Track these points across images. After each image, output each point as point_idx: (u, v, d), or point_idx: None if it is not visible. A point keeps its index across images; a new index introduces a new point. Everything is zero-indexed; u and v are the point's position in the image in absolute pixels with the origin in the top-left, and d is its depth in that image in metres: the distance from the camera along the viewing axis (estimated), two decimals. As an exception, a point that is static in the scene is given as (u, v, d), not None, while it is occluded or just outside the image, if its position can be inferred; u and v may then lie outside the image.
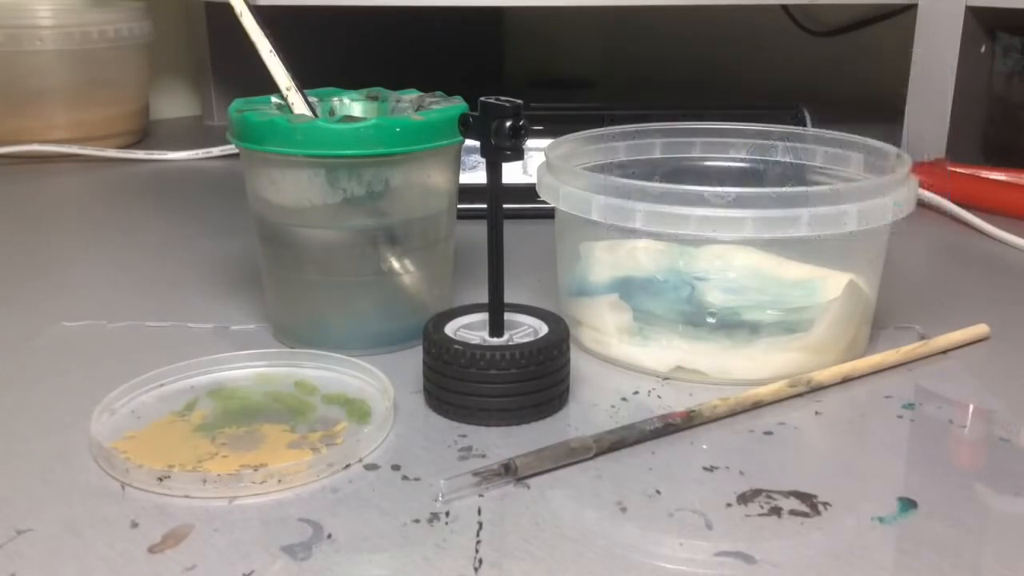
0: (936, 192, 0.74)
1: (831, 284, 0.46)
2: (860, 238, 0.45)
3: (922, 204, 0.73)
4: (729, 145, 0.56)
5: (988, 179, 0.77)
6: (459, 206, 0.51)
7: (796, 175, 0.55)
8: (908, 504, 0.36)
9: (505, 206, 0.43)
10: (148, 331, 0.52)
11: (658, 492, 0.37)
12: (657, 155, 0.57)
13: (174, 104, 1.16)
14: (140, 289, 0.59)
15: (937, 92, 0.85)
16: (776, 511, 0.36)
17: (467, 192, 0.53)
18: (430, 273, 0.50)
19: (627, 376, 0.47)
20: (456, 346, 0.42)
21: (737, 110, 0.74)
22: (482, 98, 0.42)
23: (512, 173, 0.46)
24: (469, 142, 0.44)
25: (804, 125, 0.71)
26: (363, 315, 0.49)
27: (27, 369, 0.48)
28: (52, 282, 0.60)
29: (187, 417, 0.42)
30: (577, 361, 0.47)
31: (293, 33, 0.54)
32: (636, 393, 0.45)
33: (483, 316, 0.45)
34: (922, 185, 0.73)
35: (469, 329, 0.45)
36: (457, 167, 0.50)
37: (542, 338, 0.43)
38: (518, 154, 0.41)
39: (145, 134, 1.03)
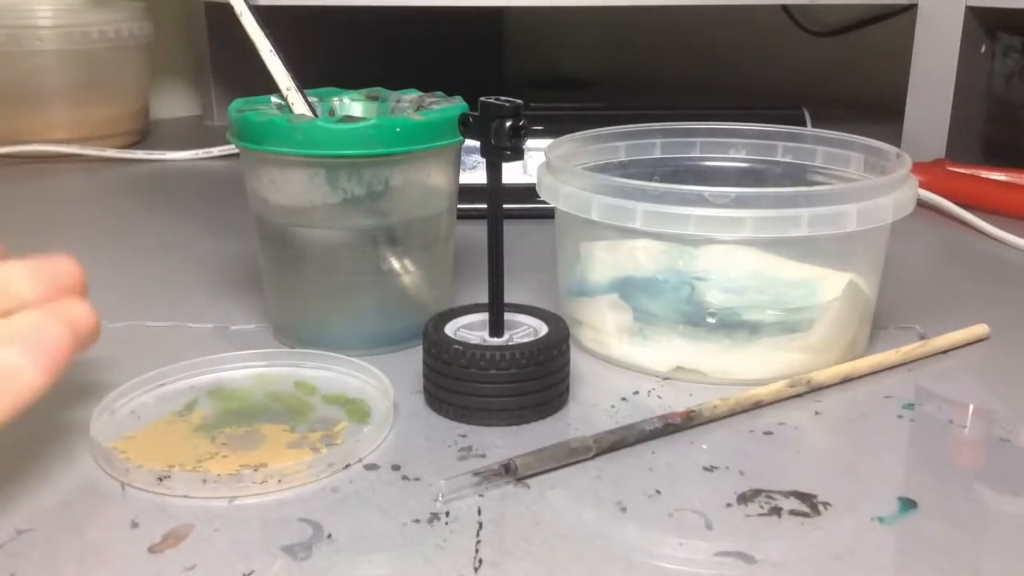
0: (936, 192, 0.74)
1: (831, 284, 0.46)
2: (860, 238, 0.45)
3: (922, 204, 0.73)
4: (729, 145, 0.56)
5: (988, 179, 0.77)
6: (459, 206, 0.51)
7: (796, 175, 0.55)
8: (908, 504, 0.36)
9: (505, 206, 0.43)
10: (148, 331, 0.52)
11: (658, 492, 0.37)
12: (657, 155, 0.57)
13: (174, 104, 1.16)
14: (140, 289, 0.59)
15: (937, 92, 0.85)
16: (776, 511, 0.36)
17: (467, 192, 0.53)
18: (430, 273, 0.50)
19: (627, 376, 0.47)
20: (456, 346, 0.42)
21: (737, 110, 0.74)
22: (482, 98, 0.42)
23: (512, 173, 0.46)
24: (469, 142, 0.44)
25: (804, 125, 0.71)
26: (363, 315, 0.49)
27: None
28: (52, 282, 0.60)
29: (187, 417, 0.42)
30: (577, 361, 0.47)
31: (293, 33, 0.54)
32: (636, 393, 0.45)
33: (483, 316, 0.45)
34: (922, 185, 0.73)
35: (469, 329, 0.45)
36: (457, 167, 0.50)
37: (542, 338, 0.43)
38: (518, 154, 0.41)
39: (145, 134, 1.03)
